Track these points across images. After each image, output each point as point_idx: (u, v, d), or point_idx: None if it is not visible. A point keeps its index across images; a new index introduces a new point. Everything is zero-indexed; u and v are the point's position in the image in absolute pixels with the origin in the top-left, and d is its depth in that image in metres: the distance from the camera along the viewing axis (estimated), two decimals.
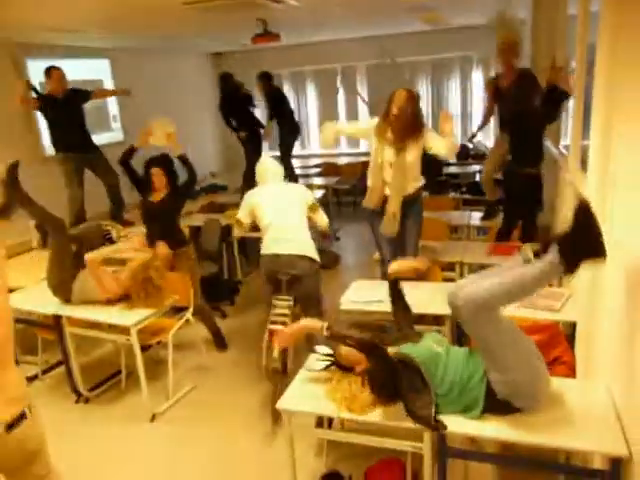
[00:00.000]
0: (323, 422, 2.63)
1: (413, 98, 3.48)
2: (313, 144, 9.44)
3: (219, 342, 4.33)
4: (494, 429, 1.99)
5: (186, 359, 4.08)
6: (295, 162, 6.96)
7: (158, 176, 3.93)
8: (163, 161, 3.94)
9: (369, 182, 3.78)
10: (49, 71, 5.23)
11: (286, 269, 3.30)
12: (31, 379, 3.94)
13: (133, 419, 3.44)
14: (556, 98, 3.74)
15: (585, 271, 1.91)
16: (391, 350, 2.18)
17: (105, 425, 3.42)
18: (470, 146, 7.71)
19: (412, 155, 3.57)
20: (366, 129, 3.71)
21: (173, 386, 3.63)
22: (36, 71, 5.79)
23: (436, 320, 3.17)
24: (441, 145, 3.48)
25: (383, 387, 2.10)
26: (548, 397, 2.05)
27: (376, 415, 2.15)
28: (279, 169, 3.76)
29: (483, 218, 4.80)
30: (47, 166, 5.75)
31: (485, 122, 5.11)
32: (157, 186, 3.97)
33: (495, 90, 4.73)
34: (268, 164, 3.77)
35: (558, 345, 2.63)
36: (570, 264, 1.80)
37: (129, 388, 3.79)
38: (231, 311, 5.00)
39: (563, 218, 1.81)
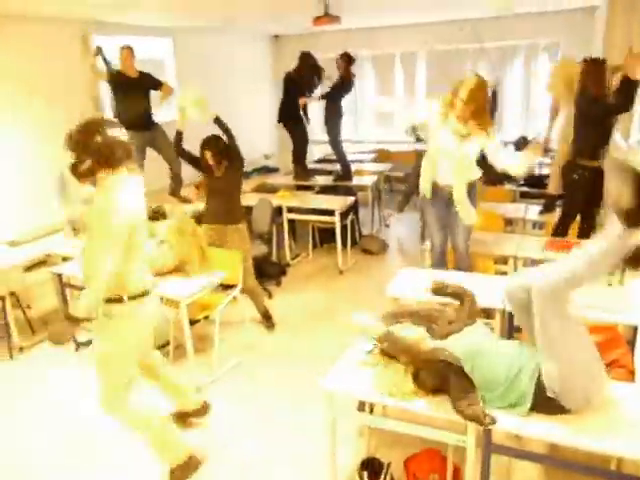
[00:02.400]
0: (365, 407, 2.62)
1: (484, 86, 3.40)
2: (367, 130, 9.33)
3: (267, 321, 4.39)
4: (541, 428, 1.92)
5: (232, 336, 4.15)
6: (348, 147, 6.87)
7: (210, 157, 4.00)
8: (209, 142, 4.00)
9: (423, 167, 3.72)
10: (122, 50, 5.42)
11: None
12: (85, 344, 4.12)
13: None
14: (630, 88, 3.55)
15: None
16: (438, 345, 2.15)
17: (149, 394, 3.52)
18: (530, 138, 7.44)
19: (473, 148, 3.50)
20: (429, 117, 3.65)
21: (218, 361, 3.71)
22: (103, 47, 5.95)
23: (485, 312, 3.09)
24: (511, 163, 3.43)
25: (430, 388, 2.10)
26: (602, 400, 1.96)
27: (419, 404, 2.12)
28: None
29: (541, 212, 4.63)
30: None
31: (554, 117, 4.91)
32: (213, 165, 4.04)
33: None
34: None
35: (617, 348, 2.52)
36: (637, 225, 1.73)
37: (176, 360, 3.89)
38: (278, 292, 5.04)
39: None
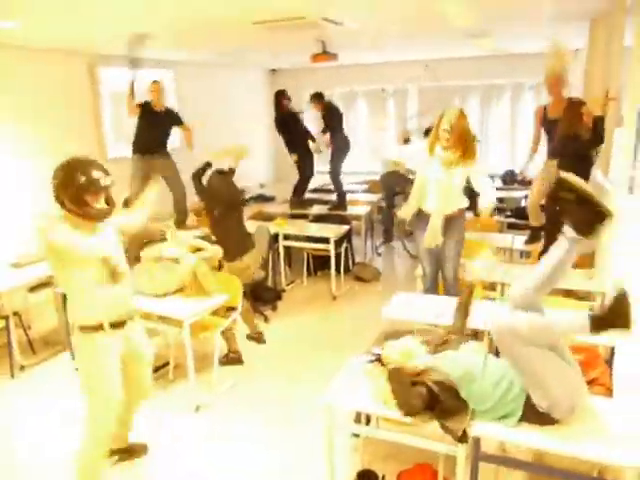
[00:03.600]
0: (361, 419, 2.75)
1: (465, 116, 3.62)
2: (360, 162, 9.60)
3: (259, 339, 4.60)
4: (528, 437, 2.08)
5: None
6: (342, 178, 7.12)
7: None
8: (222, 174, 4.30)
9: (411, 194, 3.93)
10: (153, 84, 5.72)
11: None
12: None
13: (179, 409, 3.64)
14: (599, 125, 3.84)
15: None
16: (430, 362, 2.32)
17: (150, 413, 3.61)
18: (517, 171, 7.74)
19: (459, 177, 3.70)
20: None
21: (217, 381, 3.82)
22: (108, 78, 6.19)
23: (475, 335, 3.25)
24: (485, 192, 3.74)
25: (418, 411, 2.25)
26: (585, 412, 2.12)
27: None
28: None
29: (526, 242, 4.84)
30: (110, 167, 6.12)
31: (534, 151, 5.18)
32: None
33: (543, 119, 4.81)
34: None
35: (596, 367, 2.69)
36: (598, 329, 2.02)
37: (177, 378, 4.00)
38: (273, 316, 5.17)
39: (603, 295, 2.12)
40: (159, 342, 4.26)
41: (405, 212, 3.95)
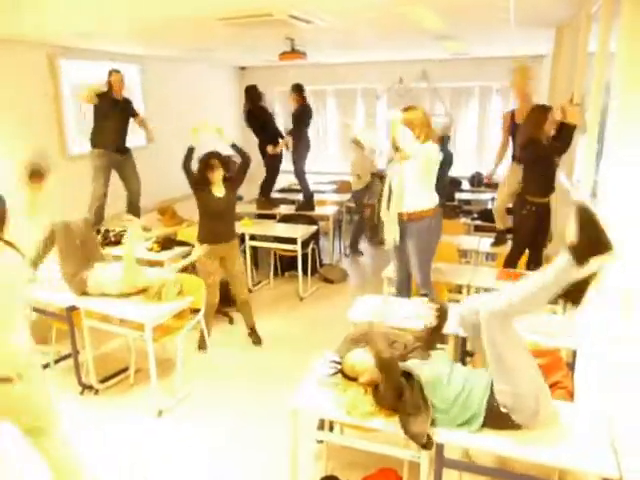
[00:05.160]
0: (324, 426, 2.71)
1: (418, 113, 3.63)
2: (329, 161, 9.59)
3: (254, 336, 4.61)
4: (490, 442, 2.07)
5: (193, 359, 4.19)
6: (310, 178, 7.08)
7: (217, 169, 4.13)
8: (218, 155, 4.17)
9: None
10: (111, 73, 5.57)
11: None
12: (43, 367, 4.05)
13: (140, 414, 3.53)
14: (566, 132, 3.88)
15: (587, 299, 2.02)
16: (400, 365, 2.29)
17: (112, 418, 3.51)
18: (484, 174, 7.84)
19: (407, 172, 3.67)
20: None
21: (180, 384, 3.73)
22: (69, 71, 6.01)
23: (440, 338, 3.25)
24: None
25: (388, 401, 2.21)
26: (548, 415, 2.12)
27: (376, 423, 2.23)
28: None
29: (493, 245, 4.88)
30: (71, 164, 5.96)
31: (501, 156, 5.23)
32: (215, 180, 4.16)
33: (511, 124, 4.88)
34: None
35: (558, 370, 2.71)
36: (580, 258, 1.90)
37: (137, 383, 3.89)
38: (239, 317, 5.08)
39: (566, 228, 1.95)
40: (119, 345, 4.14)
41: (382, 215, 3.95)
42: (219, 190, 4.20)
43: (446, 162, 6.81)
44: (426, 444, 2.05)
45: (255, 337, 4.60)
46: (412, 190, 3.70)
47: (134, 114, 5.91)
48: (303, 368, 2.72)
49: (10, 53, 5.33)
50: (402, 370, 2.21)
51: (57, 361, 4.13)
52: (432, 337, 2.62)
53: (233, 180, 4.29)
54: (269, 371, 4.11)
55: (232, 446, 3.23)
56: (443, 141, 6.60)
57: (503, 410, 2.08)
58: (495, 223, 5.04)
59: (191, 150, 4.24)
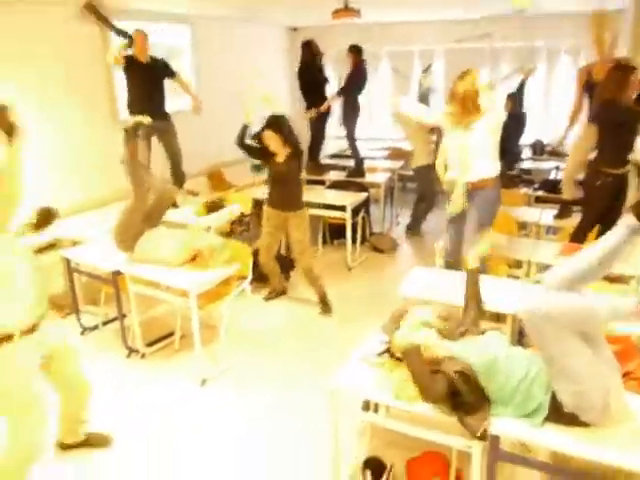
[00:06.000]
0: (369, 406, 2.59)
1: (477, 76, 3.45)
2: (382, 127, 9.26)
3: (324, 305, 4.51)
4: (554, 439, 1.88)
5: (239, 327, 4.13)
6: (361, 144, 6.85)
7: (272, 139, 4.01)
8: (272, 123, 4.00)
9: (437, 163, 3.86)
10: (135, 34, 5.20)
11: None
12: (92, 329, 4.12)
13: (183, 380, 3.53)
14: None
15: None
16: (450, 349, 2.11)
17: (155, 383, 3.51)
18: (548, 142, 7.36)
19: (476, 136, 3.49)
20: (433, 118, 3.84)
21: (224, 352, 3.69)
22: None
23: (496, 317, 3.04)
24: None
25: (439, 400, 2.05)
26: (619, 411, 1.91)
27: (425, 408, 2.08)
28: None
29: (556, 217, 4.55)
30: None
31: (574, 118, 4.81)
32: (275, 149, 4.05)
33: (587, 81, 4.44)
34: None
35: (631, 359, 2.46)
36: None
37: (182, 349, 3.88)
38: (290, 287, 5.01)
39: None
40: (166, 310, 4.14)
41: (443, 180, 3.85)
42: (281, 156, 4.09)
43: (521, 124, 6.41)
44: (480, 436, 1.88)
45: (323, 306, 4.50)
46: (479, 157, 3.51)
47: (169, 74, 5.46)
48: (350, 342, 2.59)
49: (61, 14, 5.27)
50: (461, 369, 2.01)
51: (105, 323, 4.18)
52: (469, 310, 2.44)
53: (292, 147, 4.09)
54: (315, 343, 4.01)
55: (273, 417, 3.17)
56: (514, 103, 6.20)
57: (567, 411, 1.87)
58: (560, 194, 4.68)
59: (245, 128, 4.14)
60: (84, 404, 2.79)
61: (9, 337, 2.25)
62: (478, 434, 1.88)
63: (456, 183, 3.62)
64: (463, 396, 1.95)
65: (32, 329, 2.33)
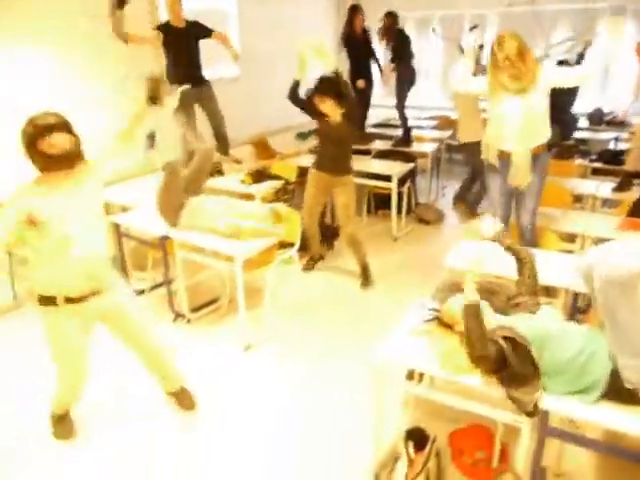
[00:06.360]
0: (413, 376, 2.56)
1: (518, 38, 3.24)
2: (429, 96, 9.00)
3: (365, 278, 4.41)
4: (609, 417, 1.80)
5: (282, 292, 4.17)
6: (409, 112, 6.68)
7: (324, 103, 3.91)
8: (324, 87, 3.88)
9: (486, 134, 3.61)
10: None
11: None
12: (139, 294, 4.22)
13: (227, 346, 3.58)
14: None
15: None
16: (501, 321, 2.05)
17: (200, 348, 3.58)
18: (605, 110, 6.98)
19: (535, 99, 3.32)
20: (479, 87, 3.57)
21: (270, 318, 3.72)
22: None
23: (547, 292, 2.94)
24: (569, 74, 3.38)
25: (489, 366, 1.98)
26: None
27: (471, 379, 2.03)
28: None
29: (615, 189, 4.32)
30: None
31: (638, 92, 4.52)
32: (326, 110, 3.96)
33: None
34: None
35: None
36: None
37: (228, 314, 3.93)
38: (329, 255, 4.99)
39: None
40: (211, 275, 4.19)
41: (488, 153, 3.63)
42: (335, 117, 3.99)
43: (573, 94, 6.08)
44: (530, 412, 1.82)
45: (365, 278, 4.41)
46: (540, 120, 3.38)
47: (207, 34, 5.18)
48: (395, 311, 2.56)
49: None
50: (512, 335, 1.94)
51: (152, 288, 4.27)
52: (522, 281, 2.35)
53: (347, 107, 3.95)
54: (359, 312, 4.00)
55: (314, 387, 3.18)
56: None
57: (628, 386, 1.78)
58: (621, 165, 4.45)
59: (296, 83, 4.05)
60: (160, 363, 2.87)
61: (53, 301, 2.36)
62: (528, 409, 1.82)
63: (516, 153, 3.44)
64: (512, 366, 1.89)
65: (79, 300, 2.40)
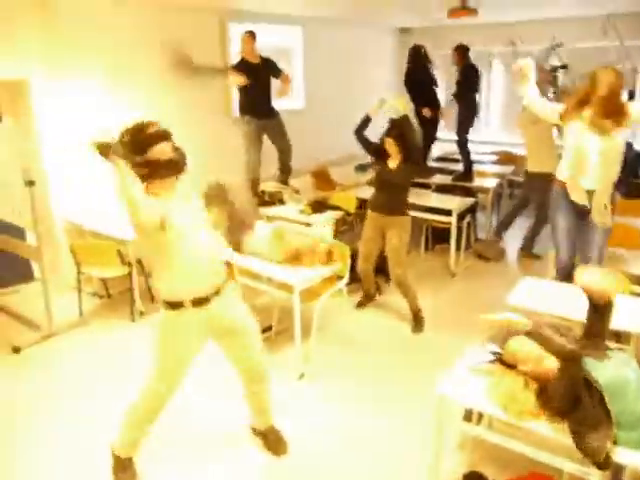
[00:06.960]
0: (472, 417, 2.48)
1: (621, 77, 3.23)
2: (491, 131, 8.92)
3: (417, 322, 4.26)
4: None
5: (334, 322, 4.17)
6: (471, 147, 6.63)
7: (391, 145, 4.02)
8: (395, 131, 3.99)
9: (567, 173, 3.49)
10: (244, 35, 5.33)
11: None
12: None
13: (281, 374, 3.57)
14: None
15: None
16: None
17: None
18: None
19: (618, 139, 3.28)
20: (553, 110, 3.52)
21: (320, 349, 3.72)
22: (234, 35, 6.15)
23: (617, 337, 2.81)
24: None
25: (559, 405, 1.89)
26: None
27: (536, 425, 1.95)
28: None
29: None
30: (236, 126, 6.17)
31: None
32: (391, 153, 4.06)
33: None
34: None
35: None
36: None
37: (278, 342, 3.96)
38: (386, 288, 4.95)
39: None
40: (264, 303, 4.24)
41: (574, 191, 3.46)
42: (394, 162, 4.06)
43: None
44: (603, 463, 1.72)
45: (416, 323, 4.24)
46: (618, 161, 3.36)
47: (277, 73, 5.48)
48: (452, 351, 2.50)
49: (188, 20, 5.55)
50: (585, 374, 1.86)
51: None
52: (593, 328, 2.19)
53: (408, 154, 4.01)
54: (414, 349, 3.94)
55: (366, 423, 3.12)
56: None
57: None
58: None
59: (367, 119, 4.17)
60: (259, 392, 2.78)
61: (180, 304, 2.37)
62: (599, 459, 1.71)
63: (599, 192, 3.37)
64: (584, 409, 1.79)
65: (203, 302, 2.41)
